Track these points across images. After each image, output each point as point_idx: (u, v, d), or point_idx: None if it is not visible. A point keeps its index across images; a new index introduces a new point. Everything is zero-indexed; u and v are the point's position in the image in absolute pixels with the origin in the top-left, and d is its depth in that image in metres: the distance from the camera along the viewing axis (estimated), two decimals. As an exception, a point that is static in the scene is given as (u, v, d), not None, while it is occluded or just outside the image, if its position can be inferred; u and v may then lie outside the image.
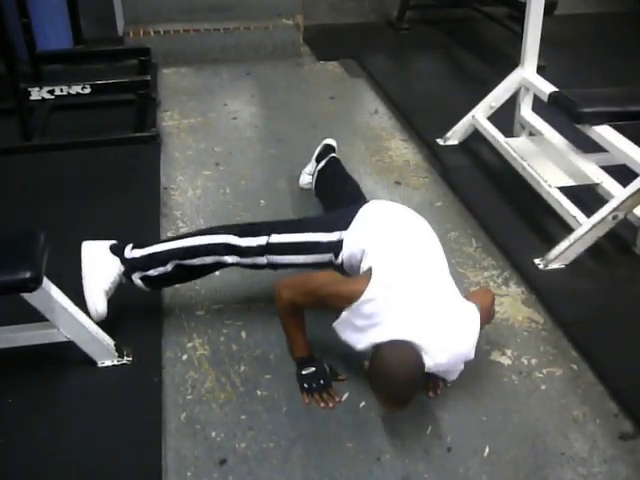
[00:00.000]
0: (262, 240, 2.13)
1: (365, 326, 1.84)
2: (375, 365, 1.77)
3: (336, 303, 1.88)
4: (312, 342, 2.09)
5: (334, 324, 1.92)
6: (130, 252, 2.21)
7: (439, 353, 1.80)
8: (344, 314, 1.87)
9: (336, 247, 2.09)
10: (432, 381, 2.10)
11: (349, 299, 1.84)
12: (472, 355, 1.90)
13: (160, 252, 2.19)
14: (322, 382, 2.07)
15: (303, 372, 2.07)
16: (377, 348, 1.79)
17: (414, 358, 1.76)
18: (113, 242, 2.25)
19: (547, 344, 2.32)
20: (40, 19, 4.08)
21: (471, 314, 1.90)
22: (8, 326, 2.00)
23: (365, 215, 2.14)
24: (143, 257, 2.19)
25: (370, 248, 2.00)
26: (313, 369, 2.07)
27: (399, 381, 1.73)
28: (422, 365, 1.78)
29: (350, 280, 1.97)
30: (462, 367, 1.93)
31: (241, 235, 2.15)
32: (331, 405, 2.04)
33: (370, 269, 1.89)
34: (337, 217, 2.19)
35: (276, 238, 2.13)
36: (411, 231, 2.10)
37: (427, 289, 1.90)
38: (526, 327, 2.39)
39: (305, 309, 2.03)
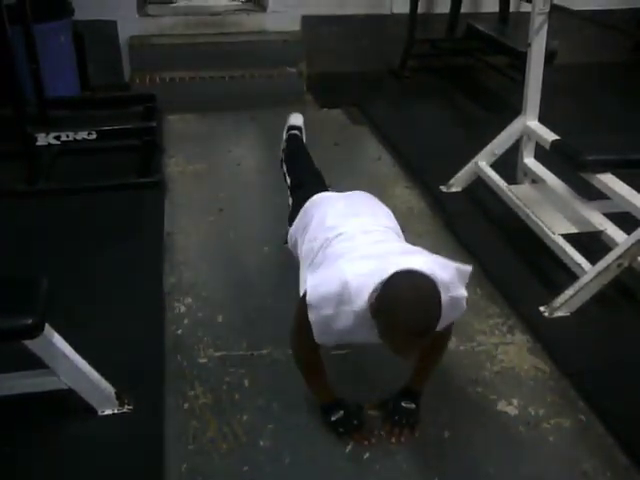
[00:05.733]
0: (288, 191, 2.56)
1: (336, 309, 1.68)
2: (388, 300, 1.57)
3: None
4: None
5: (315, 339, 1.77)
6: (286, 132, 2.96)
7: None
8: (311, 317, 1.72)
9: (286, 237, 2.38)
10: (398, 426, 2.05)
11: (305, 317, 1.73)
12: (464, 292, 1.77)
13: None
14: (356, 422, 2.04)
15: (333, 418, 2.04)
16: (378, 293, 1.60)
17: (424, 277, 1.58)
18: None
19: (554, 394, 2.28)
20: (49, 65, 4.13)
21: None
22: (7, 373, 1.97)
23: (303, 212, 2.24)
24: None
25: (301, 244, 2.11)
26: (342, 412, 2.04)
27: (421, 301, 1.55)
28: (434, 282, 1.58)
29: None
30: (464, 293, 1.77)
31: (289, 173, 2.64)
32: (373, 441, 2.02)
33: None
34: (296, 207, 2.34)
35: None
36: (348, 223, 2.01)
37: (375, 243, 1.85)
38: (532, 376, 2.36)
39: (319, 348, 1.92)
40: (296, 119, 3.05)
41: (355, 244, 1.88)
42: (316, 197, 2.26)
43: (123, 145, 3.74)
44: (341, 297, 1.66)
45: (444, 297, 1.61)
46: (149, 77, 4.77)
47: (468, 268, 1.81)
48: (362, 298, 1.63)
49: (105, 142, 3.56)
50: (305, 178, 2.55)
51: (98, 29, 4.87)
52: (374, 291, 1.61)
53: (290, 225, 2.32)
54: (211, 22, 5.18)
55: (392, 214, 2.18)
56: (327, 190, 2.40)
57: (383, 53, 5.60)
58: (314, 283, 1.72)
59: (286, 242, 2.38)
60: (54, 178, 3.56)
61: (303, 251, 2.09)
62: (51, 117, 4.00)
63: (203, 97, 4.76)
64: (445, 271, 1.70)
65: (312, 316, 1.72)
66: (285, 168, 2.68)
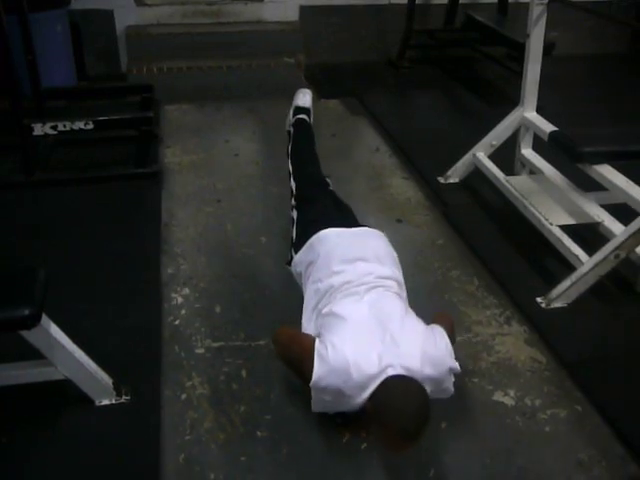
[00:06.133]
0: (293, 200, 2.52)
1: (336, 398, 1.81)
2: (381, 408, 1.72)
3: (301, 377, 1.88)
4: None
5: (312, 409, 1.88)
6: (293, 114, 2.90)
7: (415, 361, 1.78)
8: (312, 395, 1.83)
9: (291, 260, 2.31)
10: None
11: (307, 378, 1.81)
12: (457, 366, 1.86)
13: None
14: (354, 413, 2.04)
15: None
16: (373, 396, 1.75)
17: (416, 386, 1.74)
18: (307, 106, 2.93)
19: (551, 384, 2.29)
20: (45, 55, 4.12)
21: (434, 327, 1.92)
22: (4, 364, 1.97)
23: (309, 247, 2.20)
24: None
25: (308, 285, 2.12)
26: None
27: (411, 413, 1.68)
28: (425, 390, 1.74)
29: (306, 357, 1.85)
30: (452, 379, 1.88)
31: (294, 178, 2.60)
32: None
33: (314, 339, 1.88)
34: (302, 234, 2.30)
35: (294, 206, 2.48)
36: (351, 271, 2.05)
37: (377, 320, 1.88)
38: (529, 367, 2.36)
39: None
40: (304, 98, 2.97)
41: (359, 311, 1.91)
42: (323, 233, 2.21)
43: (120, 135, 3.73)
44: (342, 392, 1.77)
45: (433, 389, 1.79)
46: (146, 67, 4.74)
47: (458, 369, 1.88)
48: (362, 397, 1.76)
49: (102, 132, 3.55)
50: (312, 191, 2.52)
51: (95, 19, 4.86)
52: (372, 392, 1.75)
53: (295, 252, 2.28)
54: (209, 12, 5.17)
55: (397, 258, 2.22)
56: (334, 204, 2.42)
57: (381, 43, 5.58)
58: (320, 373, 1.77)
59: (288, 264, 2.35)
60: (51, 169, 3.55)
61: (308, 289, 2.12)
62: (47, 107, 3.99)
63: (200, 87, 4.75)
64: (437, 369, 1.81)
65: (313, 395, 1.82)
66: (291, 167, 2.65)
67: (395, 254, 2.23)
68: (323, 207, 2.43)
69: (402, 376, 1.74)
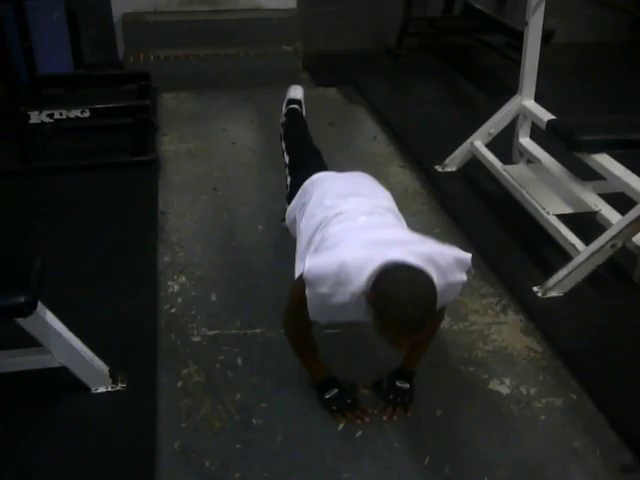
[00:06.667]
0: (286, 170, 2.53)
1: (332, 288, 1.68)
2: (383, 298, 1.58)
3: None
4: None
5: (310, 317, 1.79)
6: (286, 106, 2.92)
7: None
8: (307, 293, 1.72)
9: (284, 215, 2.37)
10: (392, 405, 2.07)
11: (299, 296, 1.75)
12: (465, 257, 1.77)
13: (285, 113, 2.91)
14: (349, 401, 2.05)
15: (326, 396, 2.05)
16: (374, 282, 1.61)
17: (420, 272, 1.59)
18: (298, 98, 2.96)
19: (546, 373, 2.29)
20: (42, 42, 4.10)
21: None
22: (0, 351, 1.97)
23: (303, 191, 2.22)
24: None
25: (299, 225, 2.11)
26: (336, 390, 2.06)
27: (415, 302, 1.55)
28: (429, 274, 1.60)
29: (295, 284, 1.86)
30: (463, 276, 1.77)
31: (287, 151, 2.61)
32: (367, 420, 2.03)
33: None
34: (295, 185, 2.32)
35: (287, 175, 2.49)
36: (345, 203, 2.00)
37: (376, 228, 1.85)
38: (525, 356, 2.37)
39: (312, 327, 1.94)
40: (295, 92, 3.02)
41: (355, 225, 1.87)
42: (316, 176, 2.24)
43: (117, 123, 3.72)
44: (338, 278, 1.66)
45: (441, 283, 1.64)
46: (143, 55, 4.72)
47: (468, 256, 1.78)
48: (359, 281, 1.63)
49: (99, 120, 3.54)
50: (304, 157, 2.53)
51: (91, 6, 4.82)
52: (371, 277, 1.61)
53: (289, 203, 2.31)
54: (206, -1, 5.14)
55: (391, 196, 2.18)
56: (326, 169, 2.38)
57: (380, 31, 5.55)
58: (312, 262, 1.72)
59: (284, 220, 2.38)
60: (47, 157, 3.54)
61: (301, 228, 2.08)
62: (44, 95, 3.98)
63: (198, 75, 4.72)
64: (444, 259, 1.71)
65: (309, 293, 1.72)
66: (284, 145, 2.67)
67: (389, 194, 2.17)
68: (315, 164, 2.41)
69: (406, 264, 1.59)
